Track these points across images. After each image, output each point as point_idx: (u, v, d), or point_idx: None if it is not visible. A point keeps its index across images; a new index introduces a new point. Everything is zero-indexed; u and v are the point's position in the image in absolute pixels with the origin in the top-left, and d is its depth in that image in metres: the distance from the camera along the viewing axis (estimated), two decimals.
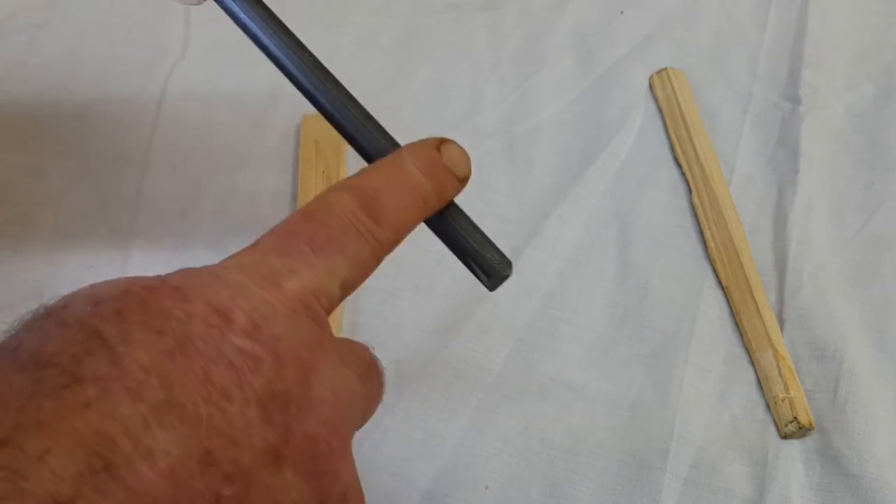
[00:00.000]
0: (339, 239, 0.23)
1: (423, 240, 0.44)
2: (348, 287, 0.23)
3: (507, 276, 0.27)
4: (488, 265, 0.26)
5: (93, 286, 0.20)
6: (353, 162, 0.47)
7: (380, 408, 0.39)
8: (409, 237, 0.44)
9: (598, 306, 0.42)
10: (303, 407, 0.20)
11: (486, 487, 0.36)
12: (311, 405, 0.20)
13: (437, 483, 0.36)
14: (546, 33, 0.54)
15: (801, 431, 0.37)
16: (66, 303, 0.19)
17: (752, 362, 0.40)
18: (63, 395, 0.17)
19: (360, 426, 0.24)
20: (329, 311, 0.22)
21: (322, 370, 0.21)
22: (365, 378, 0.24)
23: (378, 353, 0.40)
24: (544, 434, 0.38)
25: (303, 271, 0.22)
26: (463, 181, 0.26)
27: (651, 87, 0.51)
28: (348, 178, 0.24)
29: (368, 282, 0.43)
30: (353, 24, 0.55)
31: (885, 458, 0.36)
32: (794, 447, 0.37)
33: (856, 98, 0.50)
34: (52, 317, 0.19)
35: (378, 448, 0.37)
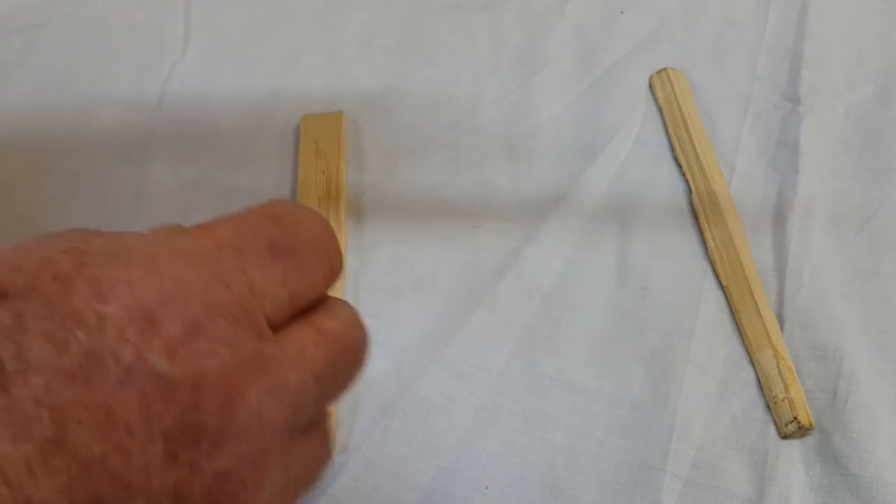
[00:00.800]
0: (300, 250, 0.21)
1: (423, 240, 0.44)
2: (296, 304, 0.21)
3: None
4: None
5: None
6: (352, 162, 0.47)
7: (380, 408, 0.39)
8: (407, 236, 0.44)
9: (598, 306, 0.42)
10: (217, 441, 0.17)
11: (486, 487, 0.36)
12: (228, 438, 0.17)
13: (437, 483, 0.36)
14: (546, 33, 0.54)
15: (801, 431, 0.37)
16: None
17: (752, 362, 0.40)
18: None
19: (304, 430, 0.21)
20: (273, 323, 0.20)
21: (251, 395, 0.18)
22: (326, 372, 0.21)
23: (378, 353, 0.41)
24: (544, 434, 0.38)
25: (255, 274, 0.20)
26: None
27: (651, 87, 0.51)
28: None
29: (368, 281, 0.43)
30: (353, 24, 0.55)
31: (885, 458, 0.36)
32: (794, 447, 0.37)
33: (856, 98, 0.50)
34: None
35: (378, 448, 0.37)
